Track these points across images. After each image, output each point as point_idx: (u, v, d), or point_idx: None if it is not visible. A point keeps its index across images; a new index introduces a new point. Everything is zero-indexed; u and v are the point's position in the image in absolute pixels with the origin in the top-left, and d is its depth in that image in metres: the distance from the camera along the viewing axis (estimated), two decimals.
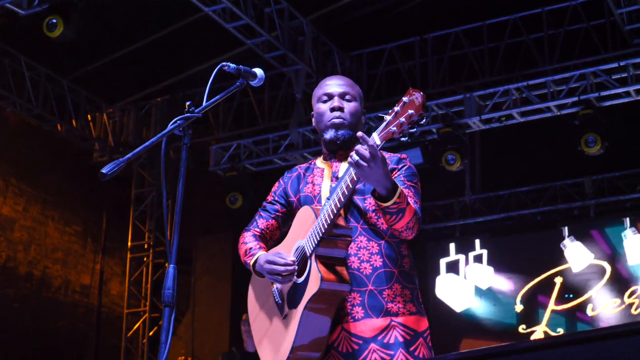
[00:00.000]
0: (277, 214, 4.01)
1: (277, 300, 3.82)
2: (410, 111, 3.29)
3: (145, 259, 13.24)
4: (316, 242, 3.57)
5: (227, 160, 11.90)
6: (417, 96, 3.29)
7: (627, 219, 11.27)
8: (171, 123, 3.26)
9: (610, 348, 2.43)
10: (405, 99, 3.32)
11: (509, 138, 11.28)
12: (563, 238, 11.52)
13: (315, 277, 3.53)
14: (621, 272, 11.23)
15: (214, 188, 12.01)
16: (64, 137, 12.25)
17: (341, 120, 3.83)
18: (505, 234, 12.21)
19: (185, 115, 3.28)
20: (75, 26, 9.63)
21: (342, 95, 3.89)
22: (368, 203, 3.70)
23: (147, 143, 3.22)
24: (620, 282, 11.20)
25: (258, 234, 3.99)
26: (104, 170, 3.09)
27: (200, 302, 12.87)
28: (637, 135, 10.95)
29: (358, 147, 3.37)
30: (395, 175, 3.75)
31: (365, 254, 3.68)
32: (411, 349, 3.59)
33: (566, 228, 11.56)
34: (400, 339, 3.59)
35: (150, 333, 12.87)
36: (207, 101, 3.46)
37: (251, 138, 11.90)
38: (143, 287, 13.13)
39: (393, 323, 3.61)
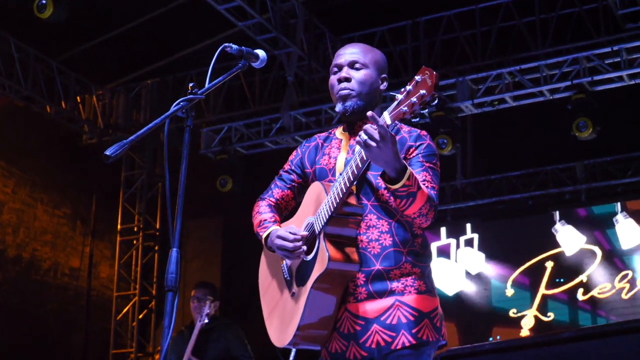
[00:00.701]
0: (293, 184, 3.92)
1: (286, 276, 3.77)
2: (423, 91, 3.19)
3: (135, 242, 13.19)
4: (325, 221, 3.51)
5: (218, 143, 11.84)
6: (430, 75, 3.20)
7: (619, 203, 11.25)
8: (174, 105, 3.24)
9: None
10: (417, 77, 3.23)
11: (500, 122, 11.25)
12: (554, 222, 11.50)
13: (322, 256, 3.48)
14: (612, 257, 11.23)
15: (204, 171, 11.95)
16: (53, 119, 12.17)
17: (348, 91, 3.70)
18: (496, 219, 12.18)
19: (188, 96, 3.25)
20: (65, 7, 9.57)
21: (351, 64, 3.75)
22: (380, 180, 3.56)
23: (150, 125, 3.20)
24: (611, 267, 11.19)
25: (273, 203, 3.93)
26: (107, 152, 3.06)
27: (190, 286, 12.77)
28: (629, 120, 10.94)
29: (367, 126, 3.28)
30: (413, 153, 3.65)
31: (374, 232, 3.59)
32: (414, 330, 3.50)
33: (557, 212, 11.54)
34: (404, 320, 3.50)
35: (140, 316, 12.85)
36: (209, 82, 3.42)
37: (242, 121, 11.83)
38: (133, 270, 13.09)
39: (397, 303, 3.52)
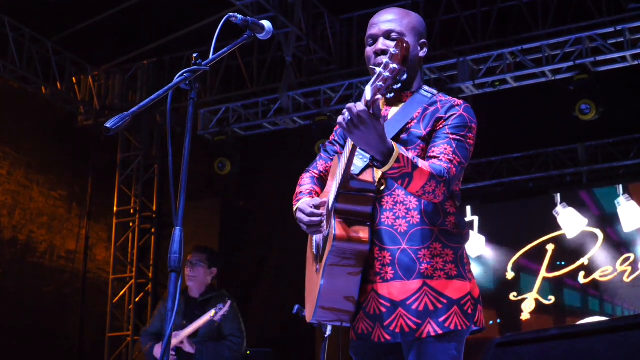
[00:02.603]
0: (336, 155, 3.73)
1: (314, 251, 3.66)
2: (394, 65, 3.01)
3: (131, 224, 13.10)
4: (335, 197, 3.37)
5: (216, 124, 11.71)
6: (402, 47, 3.01)
7: (620, 185, 11.14)
8: (177, 76, 3.12)
9: None
10: (392, 50, 3.03)
11: (500, 103, 11.14)
12: (555, 205, 11.39)
13: (331, 234, 3.35)
14: (614, 239, 11.12)
15: (202, 153, 11.85)
16: (48, 100, 12.07)
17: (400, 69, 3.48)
18: (496, 201, 12.06)
19: (192, 67, 3.13)
20: None
21: (386, 35, 3.56)
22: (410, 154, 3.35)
23: (152, 97, 3.07)
24: (613, 249, 11.09)
25: (317, 175, 3.81)
26: (108, 125, 2.92)
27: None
28: (632, 101, 10.83)
29: (349, 105, 3.11)
30: (441, 125, 3.46)
31: (401, 209, 3.43)
32: (441, 319, 3.35)
33: (558, 195, 11.44)
34: (431, 307, 3.36)
35: (137, 299, 12.77)
36: (213, 54, 3.30)
37: (240, 102, 11.71)
38: (129, 253, 13.01)
39: (425, 288, 3.37)
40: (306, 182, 3.78)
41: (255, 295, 12.39)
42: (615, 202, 11.06)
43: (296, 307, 6.71)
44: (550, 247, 11.46)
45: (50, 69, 11.84)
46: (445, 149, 3.38)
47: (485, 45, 10.76)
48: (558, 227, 11.38)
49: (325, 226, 3.47)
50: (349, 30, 11.64)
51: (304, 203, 3.54)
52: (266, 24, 3.47)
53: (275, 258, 12.55)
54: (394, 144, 3.20)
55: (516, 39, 10.59)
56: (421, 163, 3.25)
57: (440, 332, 3.34)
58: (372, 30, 3.62)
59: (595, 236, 11.21)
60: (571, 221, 11.26)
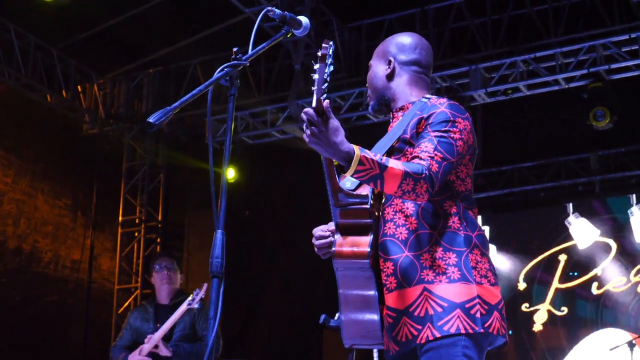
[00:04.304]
0: None
1: None
2: (318, 65, 3.12)
3: (136, 234, 12.96)
4: (333, 214, 3.36)
5: (223, 132, 11.60)
6: (326, 47, 3.13)
7: (634, 195, 11.01)
8: (217, 71, 3.01)
9: None
10: (319, 52, 3.13)
11: (512, 112, 11.06)
12: (567, 215, 11.28)
13: (332, 254, 3.33)
14: (627, 250, 10.98)
15: (208, 162, 11.72)
16: (53, 108, 11.97)
17: (369, 92, 3.74)
18: (508, 210, 11.96)
19: (232, 62, 3.00)
20: None
21: (370, 67, 3.78)
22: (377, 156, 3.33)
23: (193, 92, 2.97)
24: (626, 260, 10.96)
25: None
26: (150, 120, 2.82)
27: (193, 280, 12.57)
28: None
29: (302, 113, 3.12)
30: (422, 126, 3.41)
31: (400, 217, 3.40)
32: (440, 322, 3.25)
33: (570, 205, 11.32)
34: (431, 312, 3.27)
35: None
36: (252, 49, 3.19)
37: (248, 110, 11.61)
38: (134, 263, 12.87)
39: (426, 293, 3.30)
40: None
41: (261, 306, 12.27)
42: (629, 211, 10.93)
43: (323, 316, 6.55)
44: (562, 258, 11.33)
45: (56, 76, 11.75)
46: (426, 146, 3.32)
47: (496, 54, 10.67)
48: (570, 237, 11.26)
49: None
50: (358, 39, 11.55)
51: (316, 228, 3.56)
52: (303, 19, 3.40)
53: (281, 268, 12.44)
54: (355, 147, 3.14)
55: (527, 47, 10.50)
56: (392, 163, 3.17)
57: (438, 335, 3.25)
58: None
59: (608, 246, 11.09)
60: (583, 231, 11.13)
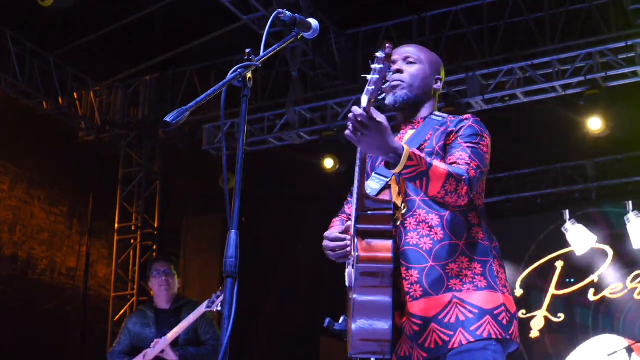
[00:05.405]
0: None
1: (347, 283, 3.62)
2: (380, 65, 3.09)
3: (132, 241, 12.92)
4: (354, 219, 3.38)
5: (221, 139, 11.60)
6: (384, 48, 3.11)
7: (630, 202, 11.06)
8: (231, 72, 3.06)
9: None
10: (378, 54, 3.12)
11: (509, 119, 11.08)
12: (564, 221, 11.31)
13: (355, 257, 3.33)
14: (624, 256, 11.03)
15: (205, 168, 11.72)
16: (49, 114, 11.93)
17: (398, 82, 3.66)
18: (504, 217, 11.99)
19: (245, 63, 3.02)
20: None
21: (405, 58, 3.73)
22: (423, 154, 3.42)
23: (207, 92, 3.04)
24: (623, 266, 11.01)
25: (345, 219, 3.83)
26: (167, 119, 2.85)
27: (191, 286, 12.56)
28: None
29: (349, 115, 3.17)
30: (453, 138, 3.52)
31: (424, 228, 3.45)
32: (472, 327, 3.32)
33: (567, 211, 11.35)
34: (462, 318, 3.34)
35: None
36: (264, 51, 3.23)
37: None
38: (130, 270, 12.83)
39: (455, 300, 3.36)
40: (337, 224, 3.83)
41: (261, 313, 12.25)
42: (625, 218, 10.96)
43: (327, 320, 6.53)
44: (559, 264, 11.37)
45: (52, 83, 11.72)
46: (461, 155, 3.45)
47: (493, 61, 10.69)
48: (567, 244, 11.30)
49: (352, 252, 3.47)
50: (355, 46, 11.56)
51: (329, 231, 3.63)
52: (313, 22, 3.44)
53: (280, 275, 12.42)
54: (404, 144, 3.25)
55: (524, 54, 10.53)
56: (436, 162, 3.30)
57: (471, 339, 3.32)
58: (393, 57, 3.71)
59: (605, 253, 11.12)
60: (580, 238, 11.16)
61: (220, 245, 12.62)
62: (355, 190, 3.39)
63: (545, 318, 11.26)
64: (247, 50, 3.12)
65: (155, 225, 12.99)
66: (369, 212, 3.37)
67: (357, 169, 3.36)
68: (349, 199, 3.92)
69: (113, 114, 12.72)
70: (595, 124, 10.02)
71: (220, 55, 11.70)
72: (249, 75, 3.08)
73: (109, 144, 12.85)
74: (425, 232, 3.44)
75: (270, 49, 3.26)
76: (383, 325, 3.36)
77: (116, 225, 12.90)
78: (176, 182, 13.04)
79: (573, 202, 11.71)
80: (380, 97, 3.35)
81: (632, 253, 10.96)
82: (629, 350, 8.52)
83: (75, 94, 12.40)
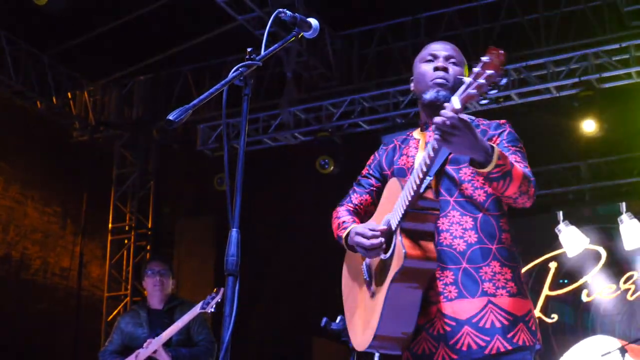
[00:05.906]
0: (372, 188, 3.85)
1: (365, 277, 3.61)
2: (490, 71, 2.99)
3: (126, 241, 12.94)
4: (401, 216, 3.35)
5: (215, 139, 11.59)
6: (497, 54, 3.01)
7: (624, 203, 11.03)
8: (232, 71, 3.06)
9: None
10: (484, 58, 3.03)
11: (502, 119, 11.08)
12: (558, 222, 11.30)
13: (399, 253, 3.32)
14: (617, 257, 11.00)
15: (200, 169, 11.71)
16: (43, 114, 11.93)
17: (444, 80, 3.64)
18: None
19: (247, 62, 3.02)
20: None
21: (447, 58, 3.72)
22: (463, 173, 3.50)
23: (210, 90, 3.04)
24: (616, 268, 11.00)
25: (352, 209, 3.83)
26: (170, 117, 2.86)
27: (184, 287, 12.55)
28: (636, 118, 10.77)
29: (436, 118, 3.12)
30: (496, 142, 3.55)
31: (458, 229, 3.46)
32: (509, 335, 3.35)
33: (561, 212, 11.34)
34: (498, 325, 3.35)
35: None
36: (265, 49, 3.23)
37: (240, 117, 11.57)
38: (124, 270, 12.83)
39: (490, 305, 3.37)
40: (344, 214, 3.82)
41: (254, 313, 12.24)
42: (618, 219, 10.95)
43: (324, 319, 6.54)
44: (552, 265, 11.36)
45: (46, 83, 11.73)
46: (515, 158, 3.47)
47: None
48: (560, 245, 11.28)
49: (385, 248, 3.45)
50: (349, 47, 11.56)
51: (361, 227, 3.53)
52: (313, 22, 3.45)
53: (274, 275, 12.41)
54: (489, 143, 3.27)
55: (518, 55, 10.54)
56: (516, 164, 3.36)
57: (509, 347, 3.35)
58: (434, 51, 3.77)
59: (598, 254, 11.12)
60: (573, 239, 11.14)
61: (213, 245, 12.64)
62: (408, 187, 3.34)
63: (539, 319, 11.25)
64: (249, 50, 3.13)
65: (149, 225, 12.99)
66: (420, 211, 3.36)
67: (419, 168, 3.29)
68: (356, 188, 3.90)
69: (107, 114, 12.73)
70: (589, 125, 10.05)
71: (215, 55, 11.70)
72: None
73: (103, 144, 12.86)
74: (458, 233, 3.46)
75: (271, 48, 3.26)
76: (407, 328, 3.42)
77: (110, 226, 12.92)
78: (170, 182, 13.04)
79: (567, 203, 11.71)
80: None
81: (625, 254, 10.96)
82: (623, 351, 8.51)
83: (69, 93, 12.43)
